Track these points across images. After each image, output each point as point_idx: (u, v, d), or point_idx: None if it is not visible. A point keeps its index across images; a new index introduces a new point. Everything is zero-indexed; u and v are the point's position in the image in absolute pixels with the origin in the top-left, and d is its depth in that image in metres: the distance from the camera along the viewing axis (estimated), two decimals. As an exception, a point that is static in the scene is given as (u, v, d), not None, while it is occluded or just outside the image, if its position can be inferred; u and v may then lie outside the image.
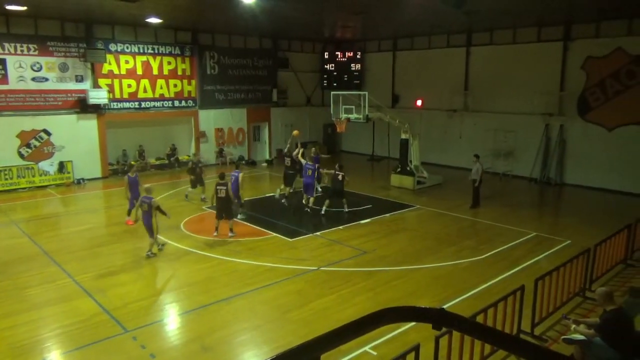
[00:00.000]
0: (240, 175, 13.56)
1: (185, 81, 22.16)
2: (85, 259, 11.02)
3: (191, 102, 22.51)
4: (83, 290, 9.26)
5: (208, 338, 7.54)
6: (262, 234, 12.67)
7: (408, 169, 18.29)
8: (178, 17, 18.32)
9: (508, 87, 20.35)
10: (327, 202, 14.73)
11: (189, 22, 20.08)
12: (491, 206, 15.72)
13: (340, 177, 14.48)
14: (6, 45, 17.35)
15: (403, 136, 18.48)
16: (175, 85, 21.88)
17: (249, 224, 13.53)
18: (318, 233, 12.78)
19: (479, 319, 6.28)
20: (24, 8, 15.65)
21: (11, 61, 17.53)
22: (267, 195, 17.36)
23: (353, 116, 17.57)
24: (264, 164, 24.04)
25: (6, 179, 17.58)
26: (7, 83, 17.52)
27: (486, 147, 20.57)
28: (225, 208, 12.26)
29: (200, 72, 22.54)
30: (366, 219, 14.12)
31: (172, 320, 8.43)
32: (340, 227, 13.28)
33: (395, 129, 19.95)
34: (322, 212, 14.44)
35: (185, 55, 21.97)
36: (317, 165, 15.28)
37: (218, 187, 12.21)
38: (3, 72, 17.39)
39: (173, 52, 21.61)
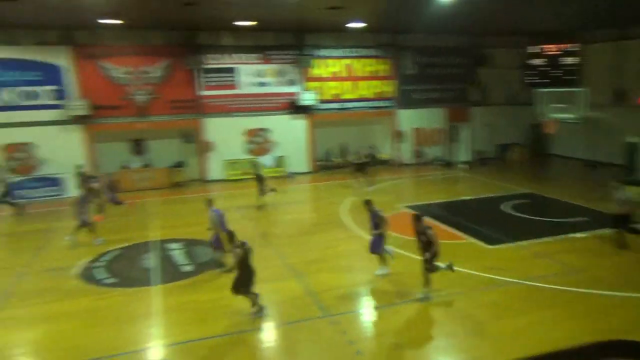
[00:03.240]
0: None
1: (384, 82, 22.88)
2: (295, 245, 12.31)
3: (390, 102, 23.12)
4: (292, 273, 10.37)
5: (402, 336, 7.72)
6: (457, 238, 12.35)
7: None
8: (378, 20, 18.96)
9: None
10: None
11: (388, 24, 20.59)
12: None
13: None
14: (237, 55, 20.45)
15: (631, 139, 15.83)
16: (375, 86, 22.76)
17: (444, 226, 13.27)
18: (522, 242, 11.88)
19: None
20: (254, 23, 18.11)
21: (241, 69, 20.59)
22: (463, 198, 16.84)
23: (566, 115, 15.79)
24: (462, 166, 23.28)
25: (235, 170, 20.85)
26: (237, 88, 20.65)
27: None
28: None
29: (399, 73, 22.98)
30: (581, 232, 12.55)
31: (369, 311, 8.86)
32: (549, 239, 12.09)
33: (620, 130, 17.23)
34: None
35: (384, 57, 22.66)
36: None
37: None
38: (234, 78, 20.53)
39: (373, 54, 22.51)
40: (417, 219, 9.05)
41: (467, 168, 22.58)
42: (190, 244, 12.45)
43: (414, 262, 10.63)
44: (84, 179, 16.51)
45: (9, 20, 15.99)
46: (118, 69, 19.09)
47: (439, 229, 12.89)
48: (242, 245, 8.29)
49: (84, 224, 12.64)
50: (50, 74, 18.33)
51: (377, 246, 9.98)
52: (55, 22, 16.96)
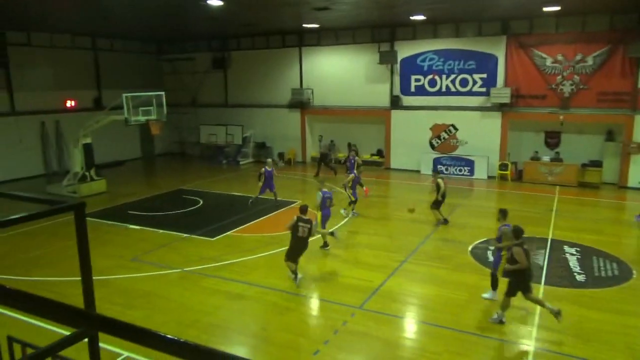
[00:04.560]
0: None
1: None
2: None
3: None
4: None
5: None
6: None
7: None
8: None
9: None
10: None
11: None
12: None
13: None
14: None
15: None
16: None
17: None
18: None
19: None
20: None
21: None
22: None
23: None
24: None
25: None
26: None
27: None
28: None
29: None
30: None
31: None
32: None
33: None
34: None
35: None
36: None
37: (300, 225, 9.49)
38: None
39: None
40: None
41: None
42: (587, 252, 11.24)
43: None
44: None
45: (458, 15, 18.08)
46: (548, 58, 18.63)
47: None
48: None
49: (354, 199, 14.29)
50: (483, 63, 19.75)
51: (496, 263, 8.94)
52: (497, 14, 17.99)
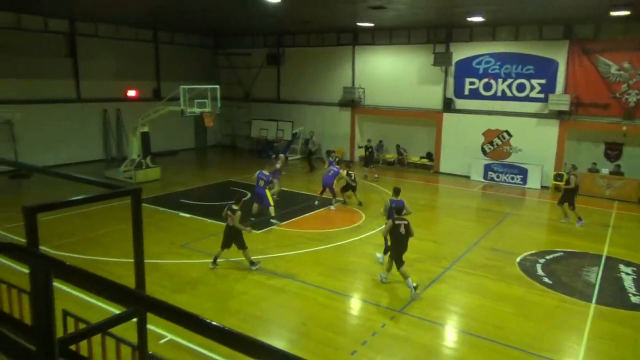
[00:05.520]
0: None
1: None
2: None
3: None
4: None
5: None
6: None
7: None
8: None
9: None
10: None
11: None
12: None
13: None
14: None
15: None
16: None
17: None
18: None
19: None
20: None
21: None
22: None
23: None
24: None
25: None
26: None
27: None
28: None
29: None
30: None
31: None
32: None
33: None
34: None
35: None
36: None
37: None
38: None
39: None
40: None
41: None
42: (647, 273, 10.62)
43: None
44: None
45: (518, 17, 17.48)
46: (614, 65, 17.66)
47: None
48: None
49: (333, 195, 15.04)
50: (542, 68, 18.97)
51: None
52: (560, 18, 17.25)
